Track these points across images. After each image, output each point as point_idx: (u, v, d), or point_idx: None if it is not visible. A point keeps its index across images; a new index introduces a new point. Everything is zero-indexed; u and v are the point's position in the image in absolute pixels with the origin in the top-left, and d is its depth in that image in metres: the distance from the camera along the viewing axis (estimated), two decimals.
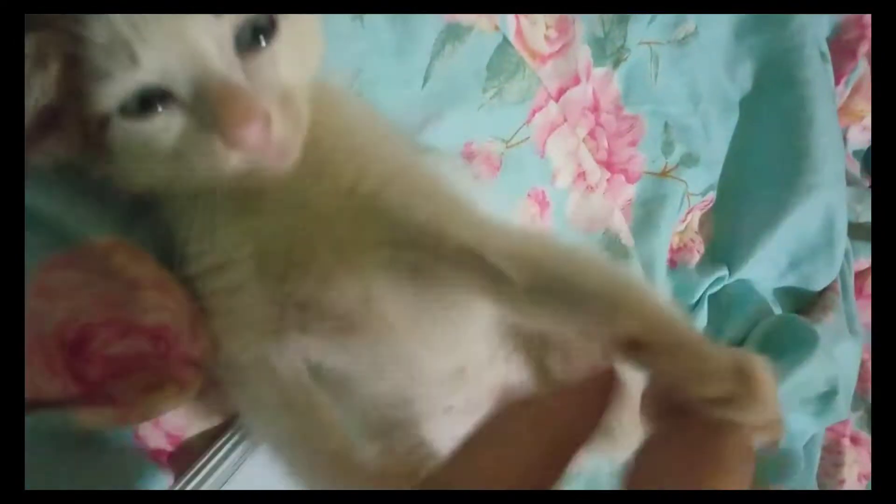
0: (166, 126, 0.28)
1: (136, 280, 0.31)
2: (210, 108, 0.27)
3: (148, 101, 0.27)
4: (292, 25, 0.29)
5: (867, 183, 1.05)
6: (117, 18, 0.25)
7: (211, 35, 0.27)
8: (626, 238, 0.63)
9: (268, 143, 0.28)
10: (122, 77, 0.26)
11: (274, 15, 0.28)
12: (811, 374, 0.72)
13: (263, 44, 0.28)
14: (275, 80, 0.28)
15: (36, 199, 0.31)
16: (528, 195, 0.57)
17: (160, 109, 0.27)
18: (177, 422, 0.35)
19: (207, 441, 0.35)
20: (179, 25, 0.26)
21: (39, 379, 0.30)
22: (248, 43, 0.28)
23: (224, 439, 0.35)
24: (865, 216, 0.94)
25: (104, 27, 0.26)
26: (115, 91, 0.27)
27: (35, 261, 0.30)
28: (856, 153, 1.03)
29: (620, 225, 0.63)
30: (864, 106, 0.92)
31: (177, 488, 0.34)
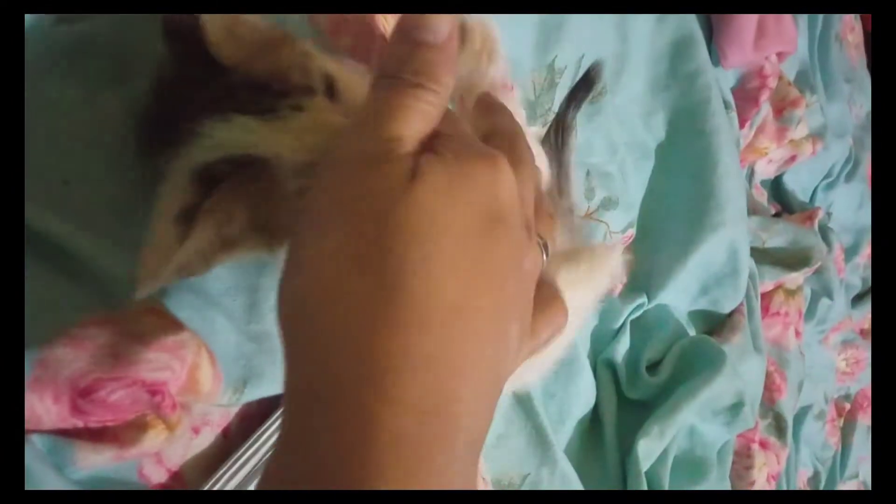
0: None
1: (153, 342, 0.34)
2: None
3: None
4: None
5: (773, 210, 1.14)
6: None
7: None
8: None
9: None
10: None
11: None
12: (720, 389, 0.77)
13: None
14: None
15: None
16: None
17: None
18: (176, 459, 0.38)
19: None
20: None
21: (41, 407, 0.31)
22: None
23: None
24: (770, 242, 1.00)
25: None
26: None
27: (78, 315, 0.33)
28: (763, 182, 1.12)
29: None
30: (767, 143, 0.99)
31: None
